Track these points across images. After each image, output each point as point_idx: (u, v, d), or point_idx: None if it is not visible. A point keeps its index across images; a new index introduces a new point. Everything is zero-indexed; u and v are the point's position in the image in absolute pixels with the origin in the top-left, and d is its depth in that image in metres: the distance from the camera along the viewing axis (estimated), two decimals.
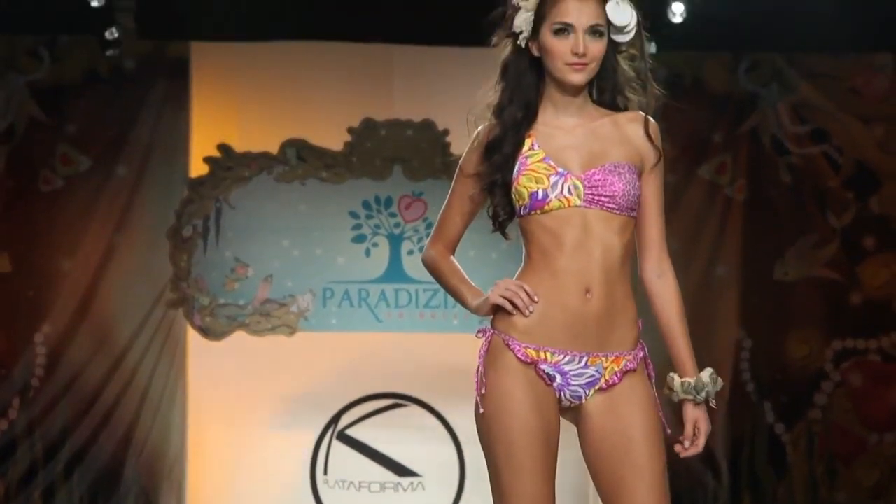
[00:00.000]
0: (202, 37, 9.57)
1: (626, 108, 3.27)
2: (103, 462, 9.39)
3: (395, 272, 9.86)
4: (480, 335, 3.18)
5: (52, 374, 9.39)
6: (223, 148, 9.75)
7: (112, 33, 9.13)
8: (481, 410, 3.14)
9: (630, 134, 3.18)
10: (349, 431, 9.96)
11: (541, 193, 3.05)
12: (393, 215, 9.87)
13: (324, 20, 9.24)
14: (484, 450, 3.18)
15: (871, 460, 9.72)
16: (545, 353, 3.08)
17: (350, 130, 9.84)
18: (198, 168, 9.71)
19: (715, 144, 9.85)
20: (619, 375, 3.10)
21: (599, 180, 3.05)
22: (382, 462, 10.03)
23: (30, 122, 9.47)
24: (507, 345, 3.08)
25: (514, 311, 3.06)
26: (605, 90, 3.21)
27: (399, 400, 10.11)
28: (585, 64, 3.07)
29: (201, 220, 9.66)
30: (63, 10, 9.00)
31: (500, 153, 3.08)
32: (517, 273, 3.20)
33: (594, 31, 3.07)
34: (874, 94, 9.69)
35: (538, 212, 3.06)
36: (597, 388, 3.11)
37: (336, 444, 10.03)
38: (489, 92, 3.20)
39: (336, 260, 9.79)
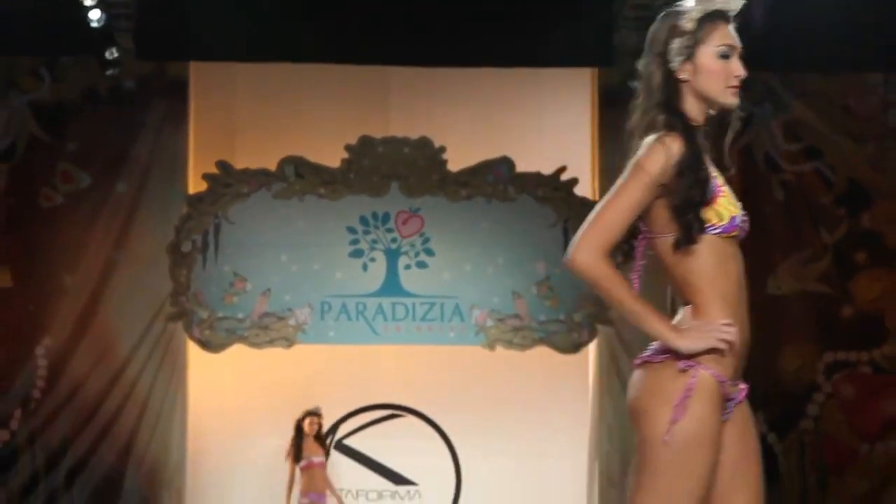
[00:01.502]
0: (201, 57, 9.53)
1: None
2: (104, 472, 9.37)
3: (392, 286, 9.85)
4: (684, 366, 2.88)
5: (53, 386, 9.36)
6: (222, 165, 9.75)
7: (112, 53, 9.12)
8: (685, 435, 2.87)
9: None
10: (347, 441, 9.96)
11: (738, 219, 2.95)
12: (390, 231, 9.85)
13: (322, 43, 9.19)
14: (668, 475, 2.88)
15: (862, 470, 9.60)
16: (732, 387, 2.97)
17: (347, 148, 9.84)
18: (197, 185, 9.72)
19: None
20: (739, 401, 3.05)
21: (746, 215, 3.02)
22: (379, 471, 10.04)
23: (31, 141, 9.49)
24: (720, 382, 2.90)
25: (727, 351, 2.92)
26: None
27: (396, 411, 10.11)
28: (739, 87, 3.01)
29: (200, 236, 9.64)
30: (63, 31, 8.91)
31: (702, 172, 2.91)
32: (692, 295, 2.94)
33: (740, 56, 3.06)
34: (866, 112, 9.66)
35: (723, 235, 2.93)
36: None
37: (334, 453, 10.03)
38: (639, 110, 3.03)
39: (334, 274, 9.79)
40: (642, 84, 3.04)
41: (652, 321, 2.88)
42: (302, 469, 9.46)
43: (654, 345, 2.96)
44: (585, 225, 2.94)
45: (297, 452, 9.45)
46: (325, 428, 9.96)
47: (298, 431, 9.47)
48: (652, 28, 3.08)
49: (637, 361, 2.97)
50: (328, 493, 9.55)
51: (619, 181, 2.95)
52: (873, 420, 9.61)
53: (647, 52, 3.05)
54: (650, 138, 2.94)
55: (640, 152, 2.92)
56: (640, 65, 3.07)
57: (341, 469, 9.83)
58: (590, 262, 2.89)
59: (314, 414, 9.46)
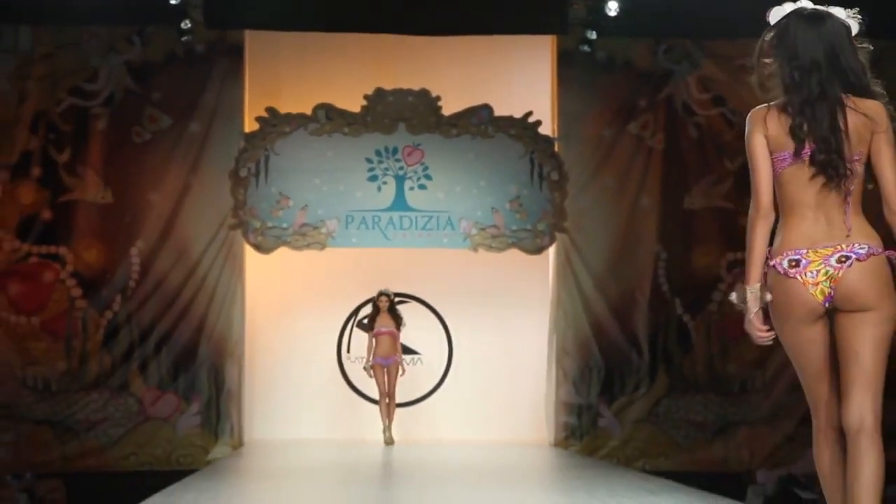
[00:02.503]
0: (254, 26, 10.11)
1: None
2: (183, 344, 10.03)
3: (399, 203, 10.45)
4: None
5: (144, 278, 10.00)
6: (270, 110, 10.37)
7: (186, 24, 9.81)
8: None
9: None
10: (365, 321, 10.65)
11: None
12: (398, 161, 10.45)
13: (347, 15, 9.82)
14: None
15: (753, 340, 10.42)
16: None
17: (366, 97, 10.47)
18: (251, 125, 10.35)
19: (640, 108, 10.41)
20: None
21: None
22: None
23: (126, 91, 10.07)
24: None
25: None
26: None
27: (403, 298, 10.86)
28: None
29: (254, 164, 10.24)
30: (149, 6, 9.72)
31: None
32: (857, 205, 3.23)
33: None
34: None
35: None
36: None
37: (356, 330, 10.85)
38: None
39: (355, 194, 10.40)
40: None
41: None
42: (375, 336, 9.96)
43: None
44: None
45: (370, 323, 9.99)
46: (348, 311, 10.67)
47: (375, 307, 9.97)
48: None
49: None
50: (396, 356, 9.94)
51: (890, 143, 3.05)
52: None
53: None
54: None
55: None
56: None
57: (362, 343, 10.43)
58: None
59: (385, 294, 9.98)
